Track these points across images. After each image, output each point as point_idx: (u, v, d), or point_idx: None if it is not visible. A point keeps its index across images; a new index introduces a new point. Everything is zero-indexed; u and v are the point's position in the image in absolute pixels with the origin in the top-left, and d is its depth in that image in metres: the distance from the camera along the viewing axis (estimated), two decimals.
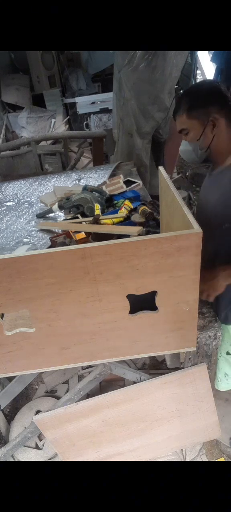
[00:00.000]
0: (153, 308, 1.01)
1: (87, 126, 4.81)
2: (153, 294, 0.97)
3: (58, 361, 1.13)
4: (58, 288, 0.93)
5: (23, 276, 0.90)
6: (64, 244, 1.53)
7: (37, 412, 1.84)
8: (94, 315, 1.00)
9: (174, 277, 0.93)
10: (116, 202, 1.87)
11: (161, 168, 1.27)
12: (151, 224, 1.61)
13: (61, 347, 1.08)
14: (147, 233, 1.50)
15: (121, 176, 2.16)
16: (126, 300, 0.97)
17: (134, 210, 1.74)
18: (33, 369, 1.17)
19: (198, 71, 5.41)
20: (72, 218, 1.77)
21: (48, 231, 1.79)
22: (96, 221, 1.62)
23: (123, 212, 1.69)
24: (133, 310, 1.01)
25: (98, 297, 0.96)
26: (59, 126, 4.72)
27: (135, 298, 0.98)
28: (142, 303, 1.02)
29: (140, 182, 2.12)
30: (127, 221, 1.66)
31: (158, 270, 0.91)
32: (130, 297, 0.97)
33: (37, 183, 2.39)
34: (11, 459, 1.70)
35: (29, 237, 1.77)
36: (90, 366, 2.00)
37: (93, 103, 4.79)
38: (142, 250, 0.87)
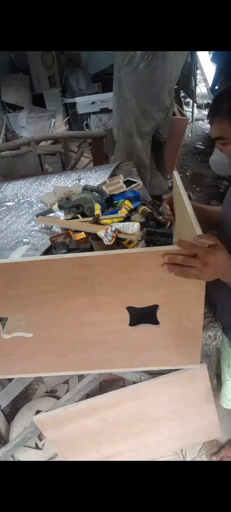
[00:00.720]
0: (156, 321, 0.97)
1: (87, 126, 4.80)
2: (156, 306, 0.94)
3: (56, 367, 1.12)
4: (55, 296, 0.91)
5: (20, 282, 0.89)
6: (64, 244, 1.53)
7: (37, 412, 1.84)
8: (92, 325, 0.98)
9: (177, 292, 0.88)
10: (116, 202, 1.87)
11: (175, 173, 1.17)
12: (151, 224, 1.61)
13: (59, 354, 1.07)
14: (147, 233, 1.50)
15: (121, 176, 2.16)
16: (125, 312, 0.94)
17: (134, 210, 1.74)
18: (31, 373, 1.16)
19: (198, 71, 5.40)
20: (72, 218, 1.77)
21: (48, 232, 1.79)
22: (96, 221, 1.62)
23: (123, 212, 1.69)
24: (134, 322, 0.98)
25: (97, 307, 0.93)
26: (59, 126, 4.72)
27: (137, 309, 0.94)
28: (144, 315, 0.98)
29: (140, 182, 2.12)
30: (127, 221, 1.66)
31: (160, 283, 0.87)
32: (132, 308, 0.94)
33: (37, 183, 2.39)
34: (11, 459, 1.70)
35: (29, 237, 1.77)
36: None
37: (93, 103, 4.79)
38: (142, 262, 0.83)
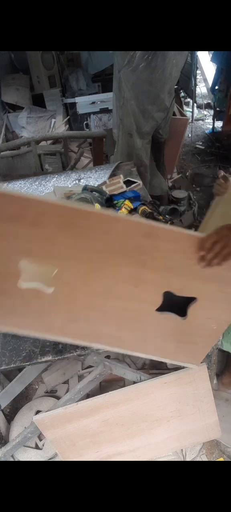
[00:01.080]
0: (182, 313, 0.92)
1: (87, 126, 4.81)
2: (190, 299, 0.89)
3: (59, 332, 1.00)
4: (104, 257, 0.82)
5: (72, 231, 0.77)
6: None
7: (37, 412, 1.84)
8: (120, 298, 0.89)
9: (222, 291, 0.84)
10: (116, 202, 1.87)
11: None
12: None
13: (70, 318, 0.96)
14: None
15: (121, 176, 2.16)
16: (161, 296, 0.88)
17: (134, 210, 1.74)
18: (26, 330, 1.00)
19: (198, 71, 5.41)
20: None
21: None
22: None
23: (123, 212, 1.69)
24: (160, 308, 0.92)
25: (137, 282, 0.85)
26: (59, 126, 4.72)
27: (169, 296, 0.88)
28: (171, 303, 0.92)
29: (140, 182, 2.12)
30: None
31: (211, 279, 0.82)
32: (167, 294, 0.88)
33: (37, 183, 2.39)
34: (11, 459, 1.70)
35: None
36: (90, 366, 2.00)
37: (93, 103, 4.79)
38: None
